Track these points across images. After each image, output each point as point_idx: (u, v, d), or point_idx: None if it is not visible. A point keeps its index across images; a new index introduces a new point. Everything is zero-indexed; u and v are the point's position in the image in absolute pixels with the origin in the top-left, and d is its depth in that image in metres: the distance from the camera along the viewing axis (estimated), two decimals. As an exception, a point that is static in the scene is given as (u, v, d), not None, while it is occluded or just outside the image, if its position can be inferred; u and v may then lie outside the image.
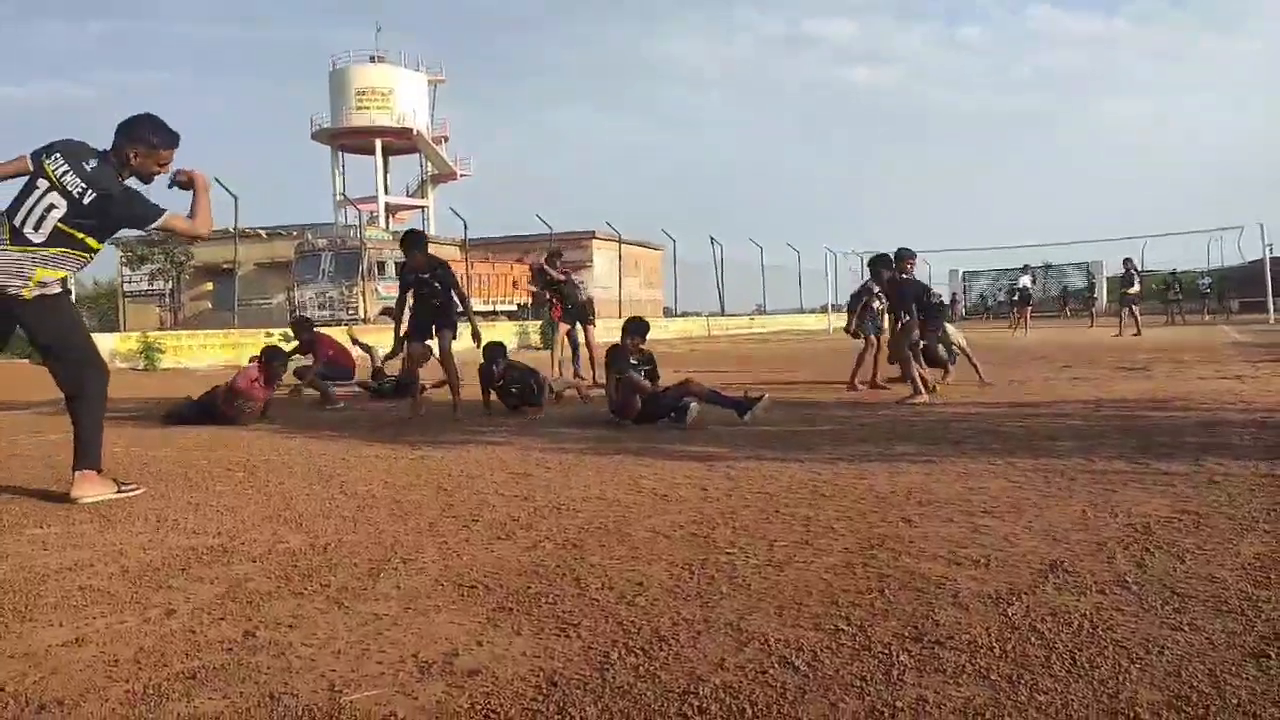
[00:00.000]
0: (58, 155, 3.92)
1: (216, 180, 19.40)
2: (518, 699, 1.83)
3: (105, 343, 16.70)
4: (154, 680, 1.96)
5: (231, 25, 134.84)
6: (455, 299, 7.25)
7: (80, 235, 3.94)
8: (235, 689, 1.90)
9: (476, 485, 4.16)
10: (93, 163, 3.93)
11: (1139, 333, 19.31)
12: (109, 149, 4.01)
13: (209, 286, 36.11)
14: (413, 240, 7.32)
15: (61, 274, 4.01)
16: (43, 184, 3.90)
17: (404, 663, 2.02)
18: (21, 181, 3.96)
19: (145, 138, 4.05)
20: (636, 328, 6.70)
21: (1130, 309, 20.30)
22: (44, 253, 3.90)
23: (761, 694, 1.82)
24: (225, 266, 29.42)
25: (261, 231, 31.77)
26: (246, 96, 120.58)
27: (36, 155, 3.95)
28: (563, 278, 10.19)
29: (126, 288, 35.18)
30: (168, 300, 33.82)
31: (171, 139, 4.12)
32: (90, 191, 3.88)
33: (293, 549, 3.07)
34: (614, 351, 6.69)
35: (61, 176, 3.88)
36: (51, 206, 3.88)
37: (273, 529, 3.38)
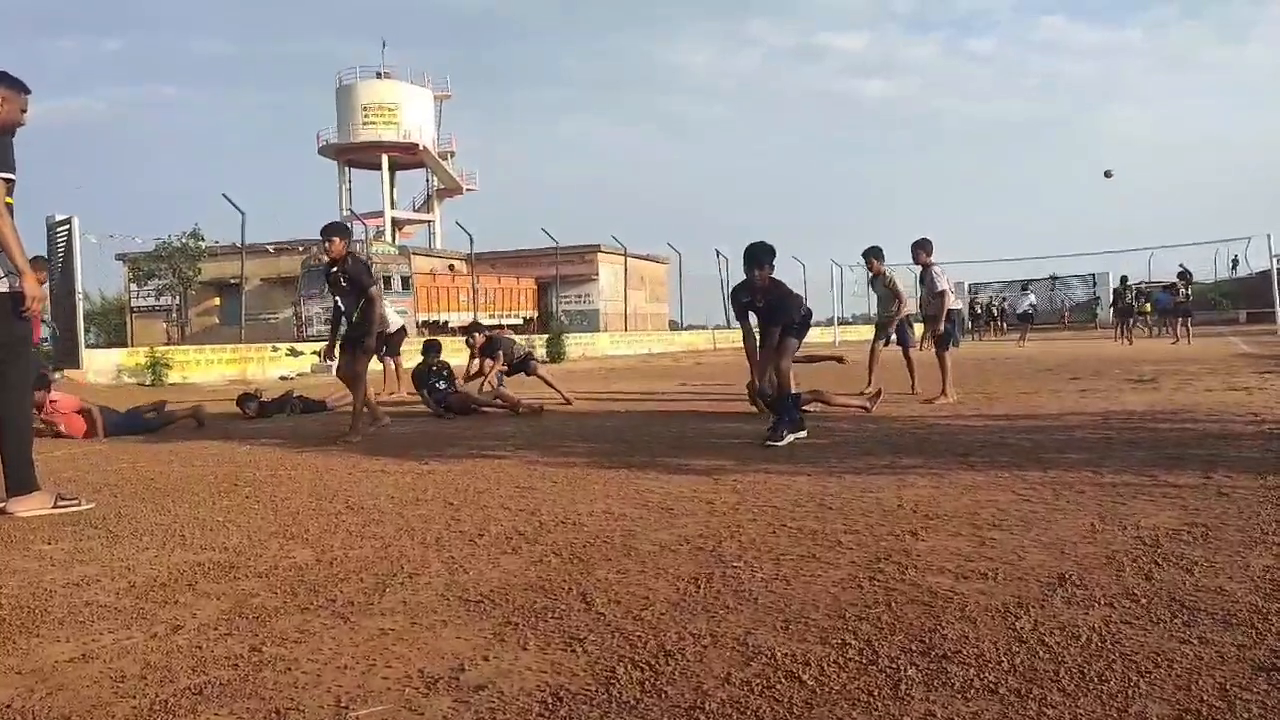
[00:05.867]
0: None
1: (224, 196, 19.55)
2: (524, 714, 1.82)
3: (113, 358, 16.78)
4: (160, 696, 1.96)
5: (240, 41, 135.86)
6: None
7: None
8: (241, 704, 1.90)
9: (482, 500, 4.16)
10: None
11: (1131, 341, 20.31)
12: None
13: (216, 301, 36.27)
14: None
15: None
16: None
17: (410, 678, 2.02)
18: None
19: (13, 81, 4.06)
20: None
21: (1139, 320, 21.65)
22: None
23: (768, 709, 1.81)
24: (232, 281, 29.59)
25: (268, 246, 31.92)
26: (254, 112, 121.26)
27: None
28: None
29: (134, 303, 35.33)
30: (175, 315, 33.95)
31: (27, 85, 4.13)
32: None
33: (299, 564, 3.07)
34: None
35: None
36: None
37: (279, 544, 3.39)
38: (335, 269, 7.06)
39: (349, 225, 7.64)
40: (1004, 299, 38.55)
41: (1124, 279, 24.54)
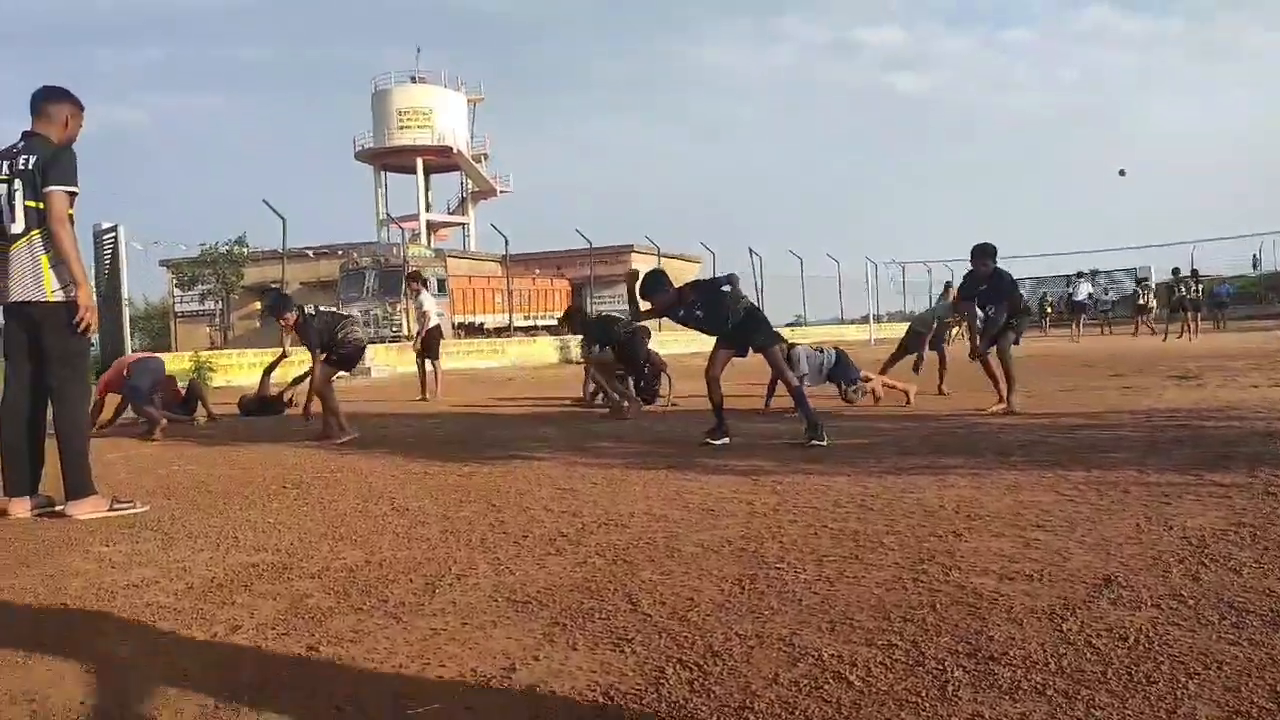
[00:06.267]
0: None
1: (265, 202, 19.88)
2: (576, 712, 1.87)
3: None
4: (224, 694, 2.03)
5: (278, 49, 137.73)
6: None
7: (41, 205, 4.10)
8: (302, 702, 1.96)
9: (524, 501, 4.21)
10: (21, 144, 4.19)
11: (1165, 338, 20.37)
12: (32, 129, 4.23)
13: (258, 305, 36.80)
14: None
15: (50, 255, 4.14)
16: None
17: (464, 677, 2.07)
18: None
19: (77, 99, 4.32)
20: None
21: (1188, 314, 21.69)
22: (34, 236, 4.10)
23: (816, 709, 1.84)
24: (273, 286, 30.01)
25: (308, 251, 32.36)
26: (293, 119, 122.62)
27: None
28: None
29: (178, 308, 36.01)
30: (218, 320, 34.57)
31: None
32: (31, 157, 4.10)
33: (350, 565, 3.15)
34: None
35: (3, 168, 4.12)
36: (14, 192, 4.09)
37: (329, 545, 3.47)
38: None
39: (284, 295, 7.96)
40: (1057, 294, 37.74)
41: (1176, 270, 24.12)
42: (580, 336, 9.39)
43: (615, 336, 8.82)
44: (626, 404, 8.37)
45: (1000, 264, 8.00)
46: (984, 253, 7.84)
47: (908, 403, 8.22)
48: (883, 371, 9.14)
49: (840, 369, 8.28)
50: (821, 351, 8.38)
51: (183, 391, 9.70)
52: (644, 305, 6.41)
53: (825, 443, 5.65)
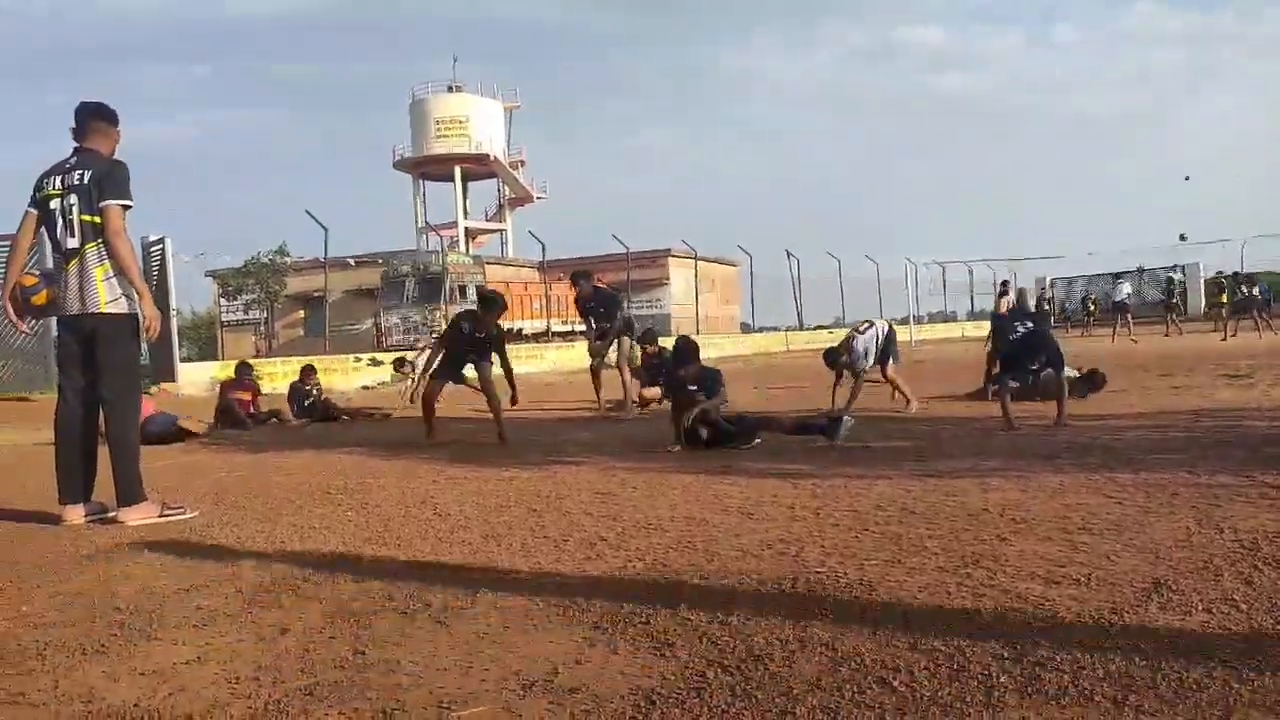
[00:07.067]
0: (41, 180, 4.32)
1: (308, 212, 20.20)
2: (618, 717, 1.87)
3: (206, 371, 17.43)
4: (273, 697, 2.06)
5: (318, 62, 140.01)
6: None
7: (96, 219, 4.21)
8: (350, 705, 1.99)
9: (564, 505, 4.24)
10: (74, 159, 4.31)
11: (1224, 337, 19.92)
12: (82, 145, 4.35)
13: (301, 314, 37.42)
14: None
15: (108, 266, 4.25)
16: (54, 204, 4.24)
17: (507, 680, 2.09)
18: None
19: (117, 116, 4.47)
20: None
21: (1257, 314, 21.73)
22: (88, 250, 4.22)
23: (859, 715, 1.82)
24: (316, 295, 30.52)
25: (349, 260, 32.83)
26: (333, 131, 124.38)
27: (33, 203, 4.34)
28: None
29: (223, 317, 36.73)
30: (262, 328, 35.21)
31: None
32: (86, 172, 4.22)
33: (393, 569, 3.18)
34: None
35: (57, 183, 4.26)
36: (70, 207, 4.21)
37: (373, 550, 3.51)
38: (592, 304, 9.24)
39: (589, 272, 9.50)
40: (1101, 294, 37.24)
41: (1235, 274, 24.00)
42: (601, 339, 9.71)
43: (624, 316, 9.74)
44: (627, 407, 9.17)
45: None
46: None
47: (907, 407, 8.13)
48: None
49: (889, 341, 8.25)
50: (873, 324, 8.34)
51: (264, 405, 10.56)
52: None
53: (849, 428, 5.79)
